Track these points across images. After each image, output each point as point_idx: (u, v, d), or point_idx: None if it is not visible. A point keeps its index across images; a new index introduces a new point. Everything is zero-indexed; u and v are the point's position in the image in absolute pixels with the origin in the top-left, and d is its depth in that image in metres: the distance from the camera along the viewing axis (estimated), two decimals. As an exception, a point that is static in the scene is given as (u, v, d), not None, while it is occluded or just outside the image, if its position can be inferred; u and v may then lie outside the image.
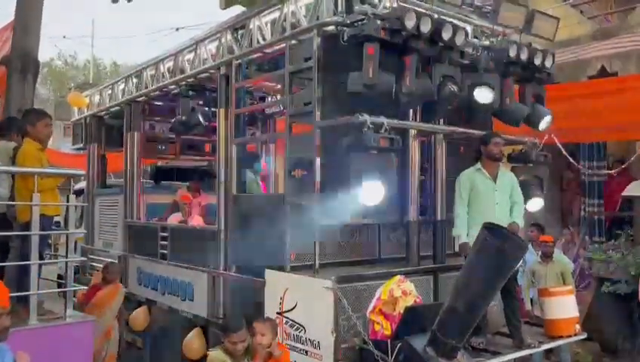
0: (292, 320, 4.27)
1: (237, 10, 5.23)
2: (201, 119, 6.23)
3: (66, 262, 4.53)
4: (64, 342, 3.98)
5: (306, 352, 4.15)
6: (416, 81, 4.02)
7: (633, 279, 7.02)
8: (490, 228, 3.51)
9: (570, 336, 4.76)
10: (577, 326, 4.77)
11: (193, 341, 5.46)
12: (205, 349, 5.39)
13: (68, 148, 12.90)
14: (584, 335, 4.90)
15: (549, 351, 6.58)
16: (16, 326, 3.36)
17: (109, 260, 6.14)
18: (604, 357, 7.48)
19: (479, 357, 4.05)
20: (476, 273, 3.45)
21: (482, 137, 4.76)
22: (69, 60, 41.93)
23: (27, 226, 4.23)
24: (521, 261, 5.07)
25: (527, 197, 4.92)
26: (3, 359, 3.08)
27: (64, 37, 37.42)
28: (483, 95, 4.50)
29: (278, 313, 4.41)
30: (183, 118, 6.25)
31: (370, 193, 3.97)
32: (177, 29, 18.46)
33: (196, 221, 6.87)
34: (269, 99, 7.46)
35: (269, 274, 4.57)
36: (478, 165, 4.70)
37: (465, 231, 4.54)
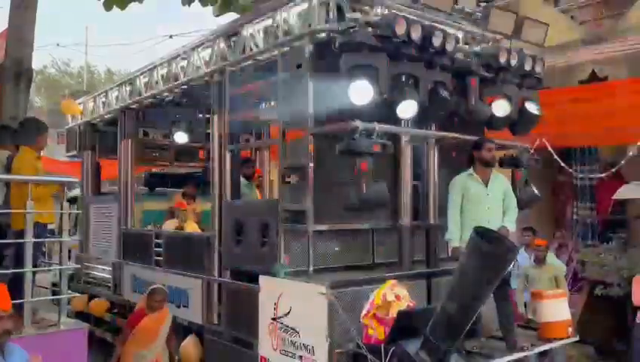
0: (286, 326, 4.29)
1: (230, 17, 5.25)
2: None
3: (60, 270, 4.54)
4: (59, 349, 3.98)
5: (301, 357, 4.17)
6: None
7: (626, 282, 7.07)
8: (480, 232, 3.54)
9: (563, 339, 4.79)
10: (570, 329, 4.80)
11: (189, 347, 5.46)
12: (201, 355, 5.41)
13: (61, 156, 12.89)
14: (577, 338, 4.93)
15: (543, 354, 6.58)
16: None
17: (154, 286, 5.42)
18: (598, 360, 7.52)
19: (472, 360, 4.07)
20: (468, 277, 3.48)
21: (475, 142, 4.81)
22: (63, 68, 41.93)
23: (22, 234, 4.25)
24: (514, 265, 5.12)
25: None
26: (20, 360, 3.12)
27: (58, 45, 37.43)
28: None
29: (272, 318, 4.43)
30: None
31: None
32: (171, 37, 18.50)
33: (191, 228, 6.89)
34: (263, 105, 7.49)
35: (264, 279, 4.59)
36: (470, 170, 4.75)
37: (457, 236, 4.58)
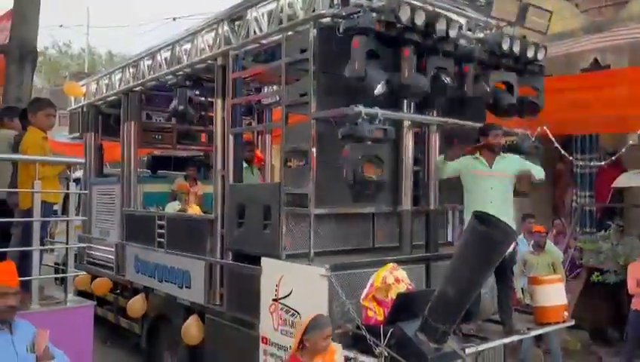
0: (287, 306, 4.37)
1: (234, 1, 5.25)
2: (191, 111, 6.34)
3: (67, 248, 4.62)
4: (65, 326, 4.06)
5: (301, 337, 4.25)
6: (414, 75, 4.09)
7: (622, 269, 7.16)
8: (479, 216, 3.60)
9: (558, 323, 4.87)
10: (566, 314, 4.88)
11: (192, 327, 5.55)
12: (203, 335, 5.50)
13: (63, 138, 12.92)
14: (572, 323, 5.01)
15: (538, 339, 6.71)
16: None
17: (310, 316, 3.54)
18: (592, 345, 7.64)
19: (469, 342, 4.16)
20: (466, 260, 3.54)
21: (481, 128, 4.81)
22: (64, 49, 41.80)
23: (28, 213, 4.31)
24: (516, 251, 5.16)
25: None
26: (26, 334, 3.22)
27: (61, 26, 37.25)
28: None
29: (273, 299, 4.51)
30: (180, 108, 6.32)
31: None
32: (174, 19, 18.40)
33: (193, 210, 6.96)
34: (266, 89, 7.52)
35: (265, 261, 4.66)
36: (477, 154, 4.75)
37: (442, 163, 4.79)
